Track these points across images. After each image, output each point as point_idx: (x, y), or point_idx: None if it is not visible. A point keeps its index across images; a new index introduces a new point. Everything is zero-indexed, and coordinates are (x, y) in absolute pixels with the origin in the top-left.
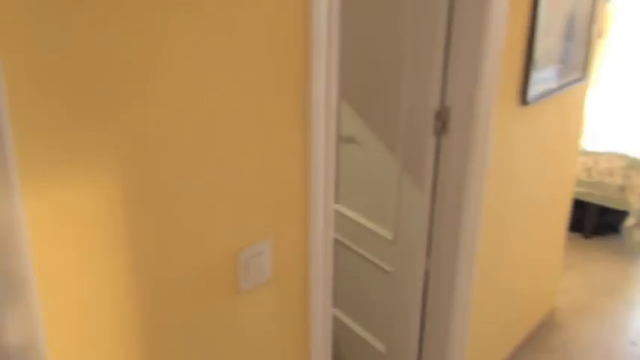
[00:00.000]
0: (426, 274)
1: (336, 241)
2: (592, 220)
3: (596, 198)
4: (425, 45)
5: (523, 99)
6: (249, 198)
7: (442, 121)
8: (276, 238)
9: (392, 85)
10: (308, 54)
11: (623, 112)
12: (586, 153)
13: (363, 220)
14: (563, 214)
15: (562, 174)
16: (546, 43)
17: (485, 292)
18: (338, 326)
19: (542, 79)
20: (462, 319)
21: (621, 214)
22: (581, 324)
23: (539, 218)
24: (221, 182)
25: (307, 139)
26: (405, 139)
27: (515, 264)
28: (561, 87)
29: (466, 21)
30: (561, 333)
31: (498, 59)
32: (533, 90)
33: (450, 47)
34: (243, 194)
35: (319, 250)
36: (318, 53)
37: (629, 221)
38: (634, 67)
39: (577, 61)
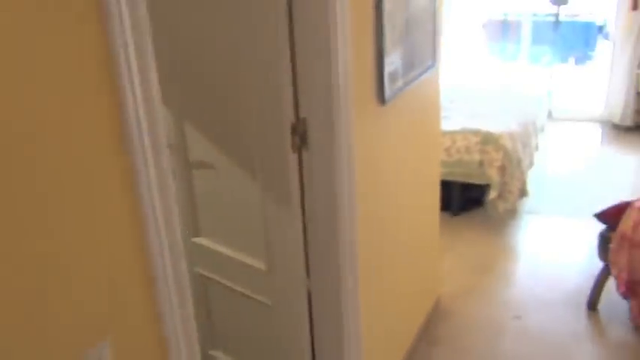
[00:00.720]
0: (309, 295)
1: (205, 278)
2: (457, 198)
3: (458, 176)
4: (268, 53)
5: (381, 98)
6: (76, 294)
7: (300, 135)
8: (117, 336)
9: (239, 100)
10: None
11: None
12: (443, 133)
13: (230, 252)
14: (434, 199)
15: (428, 160)
16: (394, 39)
17: (373, 296)
18: None
19: (395, 73)
20: (354, 332)
21: (483, 188)
22: (466, 306)
23: (414, 209)
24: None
25: (135, 205)
26: (262, 158)
27: (397, 260)
28: (415, 77)
29: (309, 25)
30: (450, 319)
31: (350, 61)
32: (390, 87)
33: (295, 50)
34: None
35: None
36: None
37: (492, 194)
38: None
39: (425, 50)
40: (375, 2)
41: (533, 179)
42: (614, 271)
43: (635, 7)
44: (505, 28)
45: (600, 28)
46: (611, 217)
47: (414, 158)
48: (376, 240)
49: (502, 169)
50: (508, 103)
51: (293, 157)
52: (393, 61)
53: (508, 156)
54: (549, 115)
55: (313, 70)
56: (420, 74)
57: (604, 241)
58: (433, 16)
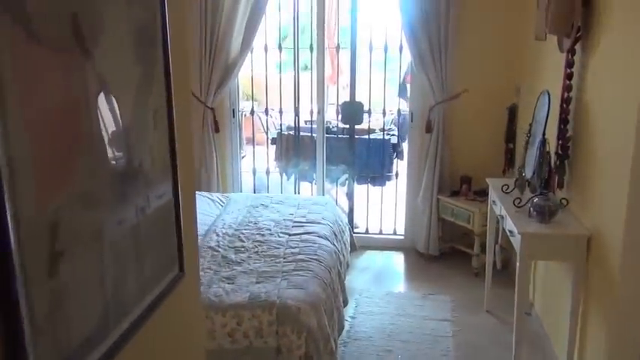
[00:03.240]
0: None
1: None
2: None
3: None
4: None
5: None
6: None
7: None
8: None
9: None
10: None
11: None
12: (223, 310)
13: None
14: None
15: None
16: None
17: None
18: None
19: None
20: None
21: None
22: None
23: None
24: None
25: None
26: None
27: None
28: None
29: None
30: None
31: None
32: None
33: None
34: None
35: None
36: None
37: None
38: None
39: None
40: None
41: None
42: None
43: (429, 129)
44: (298, 145)
45: (394, 147)
46: None
47: None
48: None
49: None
50: (306, 245)
51: None
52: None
53: (313, 337)
54: (352, 246)
55: None
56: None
57: None
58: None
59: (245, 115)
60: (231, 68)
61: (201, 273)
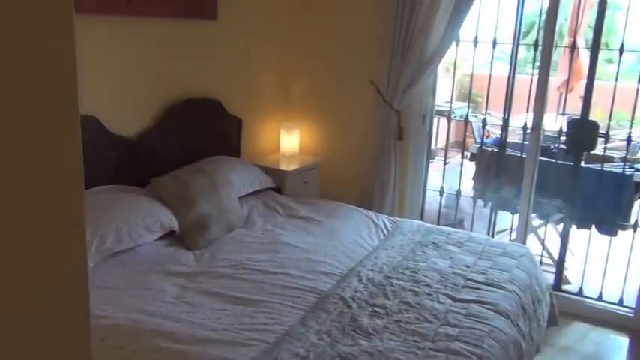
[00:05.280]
0: None
1: None
2: None
3: None
4: None
5: None
6: None
7: None
8: None
9: None
10: None
11: None
12: None
13: None
14: None
15: None
16: None
17: None
18: None
19: None
20: None
21: None
22: None
23: None
24: None
25: None
26: None
27: None
28: None
29: None
30: None
31: None
32: None
33: None
34: None
35: None
36: None
37: None
38: None
39: None
40: None
41: None
42: None
43: None
44: (503, 165)
45: (638, 186)
46: None
47: None
48: None
49: None
50: (472, 325)
51: None
52: None
53: None
54: (553, 320)
55: None
56: None
57: None
58: None
59: (454, 119)
60: (425, 65)
61: (314, 338)
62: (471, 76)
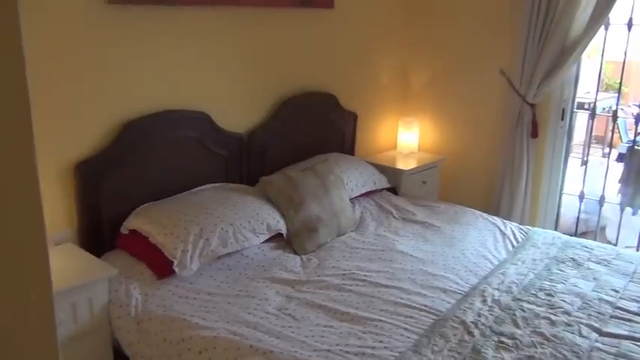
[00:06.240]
0: None
1: None
2: None
3: None
4: None
5: None
6: None
7: None
8: None
9: None
10: None
11: None
12: None
13: None
14: None
15: None
16: None
17: None
18: None
19: None
20: None
21: None
22: None
23: None
24: None
25: None
26: None
27: None
28: None
29: None
30: None
31: None
32: None
33: None
34: None
35: None
36: None
37: None
38: None
39: None
40: None
41: None
42: None
43: None
44: None
45: None
46: None
47: None
48: None
49: None
50: None
51: None
52: None
53: None
54: None
55: None
56: None
57: None
58: None
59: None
60: (567, 52)
61: None
62: (623, 63)
